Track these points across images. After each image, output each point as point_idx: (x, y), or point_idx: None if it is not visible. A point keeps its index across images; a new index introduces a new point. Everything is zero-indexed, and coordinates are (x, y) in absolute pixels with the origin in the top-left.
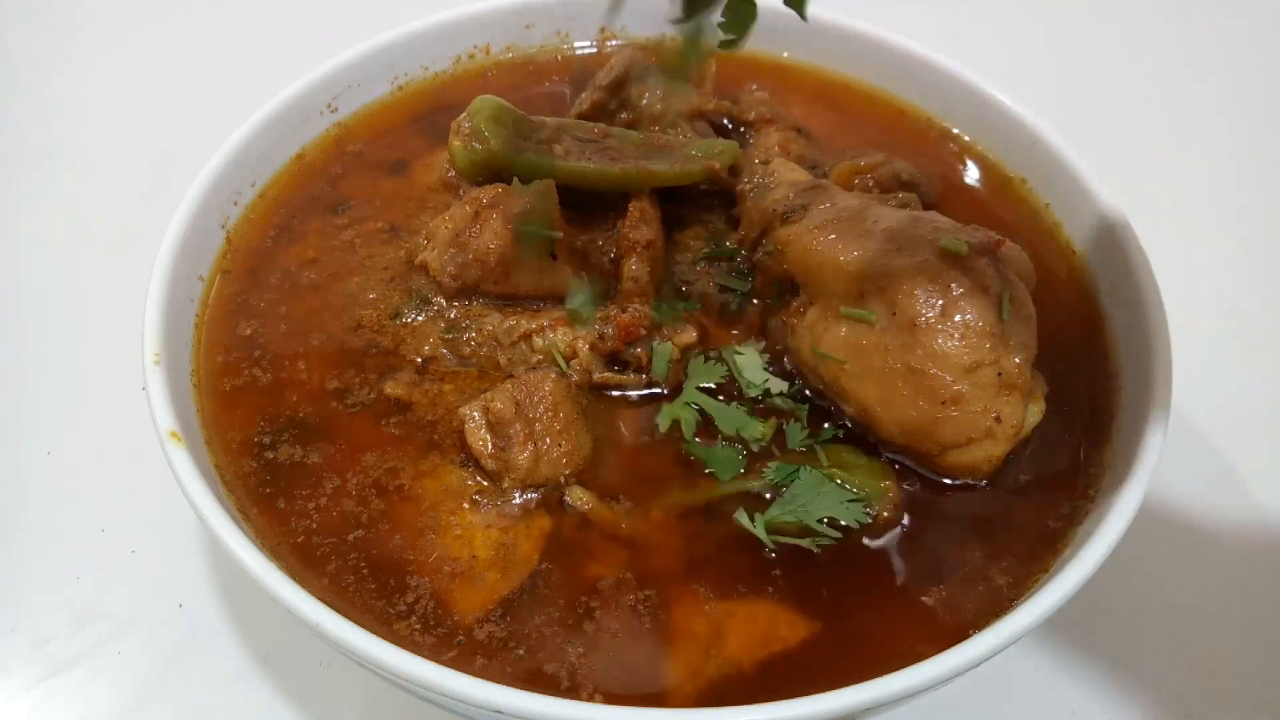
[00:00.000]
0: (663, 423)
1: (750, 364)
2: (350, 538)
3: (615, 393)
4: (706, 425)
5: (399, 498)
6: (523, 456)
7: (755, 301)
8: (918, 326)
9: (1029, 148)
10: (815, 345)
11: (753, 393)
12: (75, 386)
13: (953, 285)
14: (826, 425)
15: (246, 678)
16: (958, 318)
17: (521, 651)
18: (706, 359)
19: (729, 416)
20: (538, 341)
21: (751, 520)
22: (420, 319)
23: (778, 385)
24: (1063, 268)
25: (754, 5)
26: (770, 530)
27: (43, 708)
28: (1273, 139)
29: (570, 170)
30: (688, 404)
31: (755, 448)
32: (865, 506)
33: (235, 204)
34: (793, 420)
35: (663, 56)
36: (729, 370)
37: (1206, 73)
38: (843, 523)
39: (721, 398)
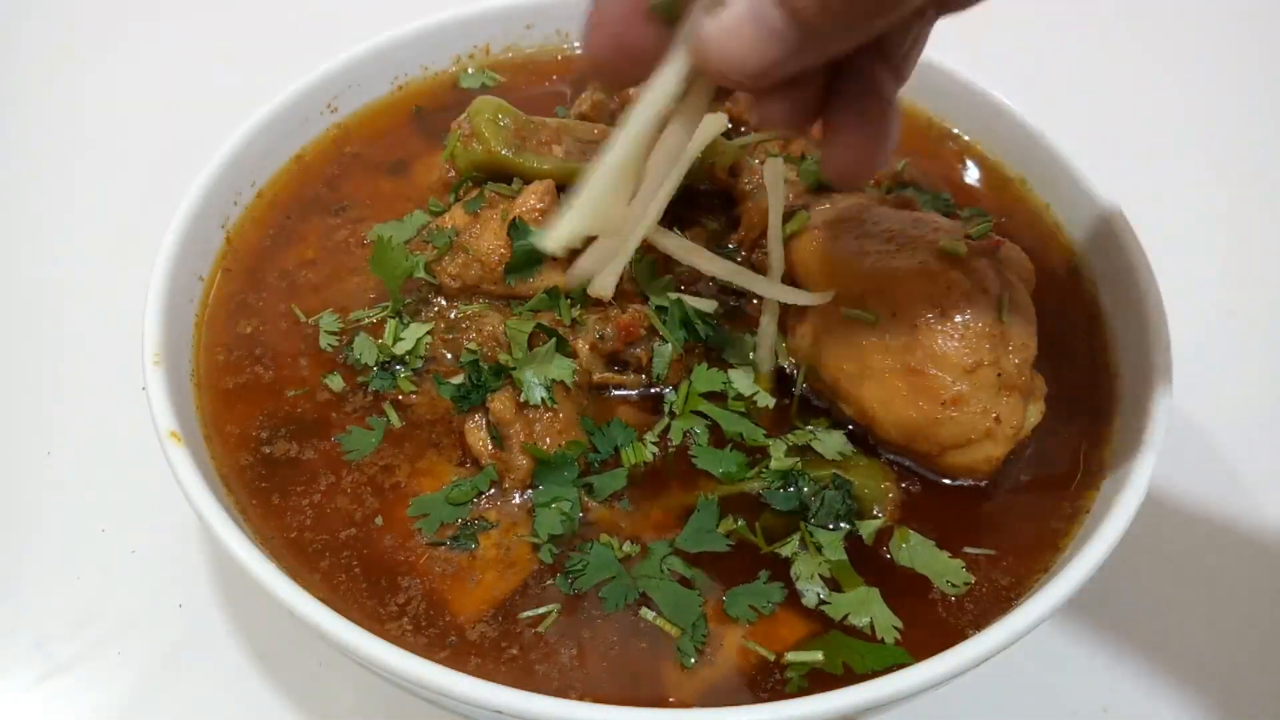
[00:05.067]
0: (675, 436)
1: (740, 377)
2: (343, 535)
3: (615, 393)
4: (711, 429)
5: (395, 496)
6: (523, 457)
7: (755, 301)
8: (917, 327)
9: (1029, 148)
10: (815, 346)
11: (738, 407)
12: (75, 386)
13: (952, 286)
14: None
15: (246, 678)
16: (957, 318)
17: (516, 651)
18: (710, 365)
19: (734, 423)
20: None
21: (752, 523)
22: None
23: (764, 400)
24: (1063, 268)
25: None
26: (767, 532)
27: (43, 708)
28: (1273, 140)
29: (570, 171)
30: (695, 413)
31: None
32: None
33: (235, 204)
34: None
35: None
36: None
37: (1207, 73)
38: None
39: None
